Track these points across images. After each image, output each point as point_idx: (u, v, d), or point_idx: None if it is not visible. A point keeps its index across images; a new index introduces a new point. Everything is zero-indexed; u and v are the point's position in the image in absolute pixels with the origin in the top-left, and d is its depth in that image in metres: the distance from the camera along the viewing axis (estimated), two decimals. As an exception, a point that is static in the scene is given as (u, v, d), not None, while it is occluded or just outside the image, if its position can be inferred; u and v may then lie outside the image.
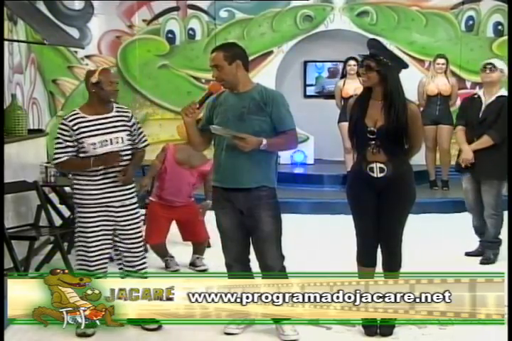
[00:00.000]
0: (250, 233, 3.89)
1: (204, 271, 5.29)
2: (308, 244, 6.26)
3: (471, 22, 9.75)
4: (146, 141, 4.13)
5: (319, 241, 6.35)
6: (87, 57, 9.83)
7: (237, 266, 3.95)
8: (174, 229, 5.54)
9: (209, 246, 5.68)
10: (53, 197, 5.73)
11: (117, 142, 3.92)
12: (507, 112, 5.18)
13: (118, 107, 4.03)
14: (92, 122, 3.89)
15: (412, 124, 3.74)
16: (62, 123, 3.91)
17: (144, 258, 4.13)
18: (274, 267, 3.90)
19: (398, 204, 3.83)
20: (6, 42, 7.40)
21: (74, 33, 9.31)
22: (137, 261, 4.08)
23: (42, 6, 9.16)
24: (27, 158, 5.61)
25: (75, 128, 3.86)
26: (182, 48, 9.93)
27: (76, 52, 9.66)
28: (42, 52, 9.33)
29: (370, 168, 3.78)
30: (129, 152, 3.99)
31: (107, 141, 3.89)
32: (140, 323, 4.04)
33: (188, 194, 5.38)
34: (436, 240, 6.15)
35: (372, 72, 3.69)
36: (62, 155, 3.88)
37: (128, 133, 3.98)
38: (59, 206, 5.67)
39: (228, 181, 3.80)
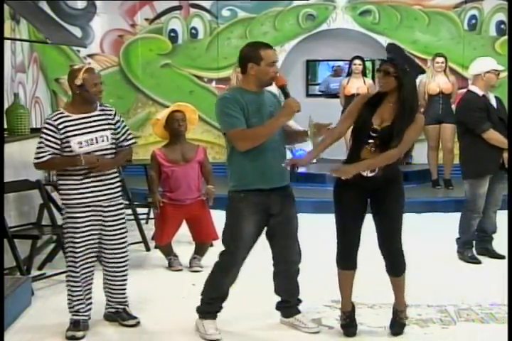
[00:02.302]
0: (277, 232, 3.85)
1: (197, 271, 5.27)
2: (310, 243, 6.23)
3: (473, 21, 9.74)
4: (132, 139, 4.07)
5: (321, 240, 6.33)
6: (90, 56, 9.86)
7: (237, 272, 3.90)
8: (181, 229, 5.54)
9: (211, 245, 5.68)
10: (56, 196, 5.73)
11: (103, 140, 3.89)
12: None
13: (101, 105, 3.98)
14: (77, 121, 3.85)
15: (410, 129, 3.66)
16: (47, 123, 3.82)
17: (127, 260, 4.07)
18: (297, 262, 3.98)
19: (396, 205, 3.79)
20: (8, 42, 7.41)
21: (76, 32, 9.33)
22: (120, 262, 4.04)
23: (45, 5, 9.17)
24: (29, 156, 5.57)
25: (60, 127, 3.81)
26: (184, 47, 9.93)
27: (79, 51, 9.69)
28: (44, 51, 9.35)
29: None
30: (113, 150, 3.97)
31: (92, 139, 3.86)
32: (117, 320, 4.06)
33: (197, 188, 5.38)
34: (438, 239, 6.15)
35: (390, 77, 3.64)
36: (42, 154, 3.82)
37: (112, 131, 3.95)
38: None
39: (275, 181, 3.78)
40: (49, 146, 3.82)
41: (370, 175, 3.72)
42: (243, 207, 3.77)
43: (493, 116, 5.33)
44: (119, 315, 4.08)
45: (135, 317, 4.08)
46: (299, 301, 4.08)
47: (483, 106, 5.34)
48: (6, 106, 5.97)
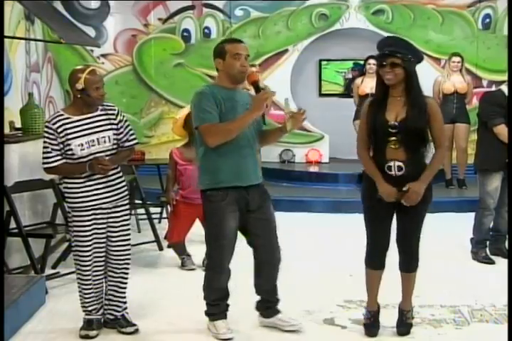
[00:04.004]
0: (256, 230, 3.84)
1: None
2: (323, 242, 6.25)
3: (487, 20, 9.69)
4: (134, 139, 3.98)
5: (334, 239, 6.34)
6: (103, 55, 9.90)
7: (228, 271, 3.89)
8: (194, 228, 5.54)
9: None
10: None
11: (104, 142, 3.84)
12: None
13: (103, 105, 3.90)
14: (78, 123, 3.79)
15: (434, 120, 3.69)
16: (47, 127, 3.78)
17: (128, 264, 4.02)
18: (280, 259, 3.96)
19: (418, 205, 3.75)
20: (23, 42, 7.46)
21: (90, 31, 9.39)
22: (121, 265, 3.99)
23: (59, 5, 9.23)
24: (43, 156, 5.64)
25: (59, 130, 3.76)
26: (197, 47, 9.95)
27: (92, 51, 9.74)
28: (58, 51, 9.40)
29: (388, 167, 3.72)
30: (114, 151, 3.91)
31: (93, 141, 3.81)
32: (115, 327, 3.99)
33: None
34: (452, 239, 6.13)
35: (399, 69, 3.63)
36: (51, 159, 3.79)
37: (114, 131, 3.88)
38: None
39: (251, 178, 3.79)
40: (55, 150, 3.78)
41: (398, 174, 3.71)
42: (225, 205, 3.74)
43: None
44: (118, 322, 3.99)
45: (134, 325, 3.99)
46: (279, 300, 4.04)
47: (502, 103, 5.31)
48: (20, 105, 6.01)
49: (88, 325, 3.93)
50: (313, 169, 9.38)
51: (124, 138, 3.95)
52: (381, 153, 3.75)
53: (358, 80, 8.47)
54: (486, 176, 5.41)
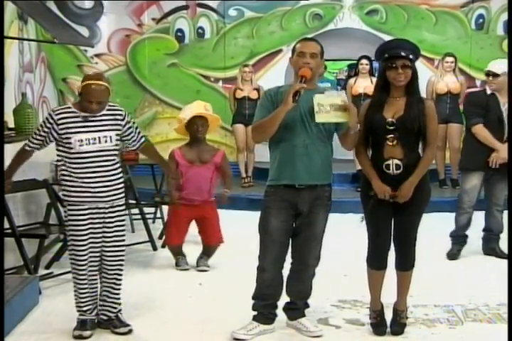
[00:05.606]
0: (299, 232, 3.84)
1: (204, 271, 5.29)
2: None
3: (481, 20, 9.72)
4: (142, 137, 4.08)
5: (328, 240, 6.33)
6: (97, 55, 9.89)
7: (272, 270, 3.86)
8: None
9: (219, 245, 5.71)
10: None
11: (105, 141, 3.84)
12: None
13: (110, 106, 3.92)
14: (82, 118, 3.81)
15: (430, 121, 3.72)
16: (49, 114, 3.83)
17: (122, 264, 4.01)
18: (313, 266, 3.94)
19: (415, 205, 3.78)
20: (16, 41, 7.45)
21: (84, 31, 9.37)
22: (115, 266, 3.97)
23: (52, 5, 9.20)
24: (37, 156, 5.55)
25: (59, 122, 3.79)
26: (191, 47, 9.95)
27: (86, 50, 9.73)
28: (52, 51, 9.38)
29: (386, 166, 3.73)
30: (115, 152, 3.92)
31: (95, 139, 3.81)
32: (109, 327, 3.98)
33: (208, 190, 5.36)
34: (445, 239, 6.13)
35: (409, 70, 3.67)
36: (30, 144, 3.90)
37: (118, 132, 3.90)
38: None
39: (301, 177, 3.72)
40: (41, 135, 3.84)
41: (396, 172, 3.72)
42: (270, 201, 3.78)
43: (492, 116, 5.31)
44: (112, 323, 3.98)
45: (127, 325, 3.98)
46: (307, 305, 4.05)
47: (482, 103, 5.36)
48: (13, 105, 6.00)
49: (82, 325, 3.92)
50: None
51: (135, 139, 4.03)
52: (379, 152, 3.76)
53: (351, 80, 8.49)
54: (466, 175, 5.51)
